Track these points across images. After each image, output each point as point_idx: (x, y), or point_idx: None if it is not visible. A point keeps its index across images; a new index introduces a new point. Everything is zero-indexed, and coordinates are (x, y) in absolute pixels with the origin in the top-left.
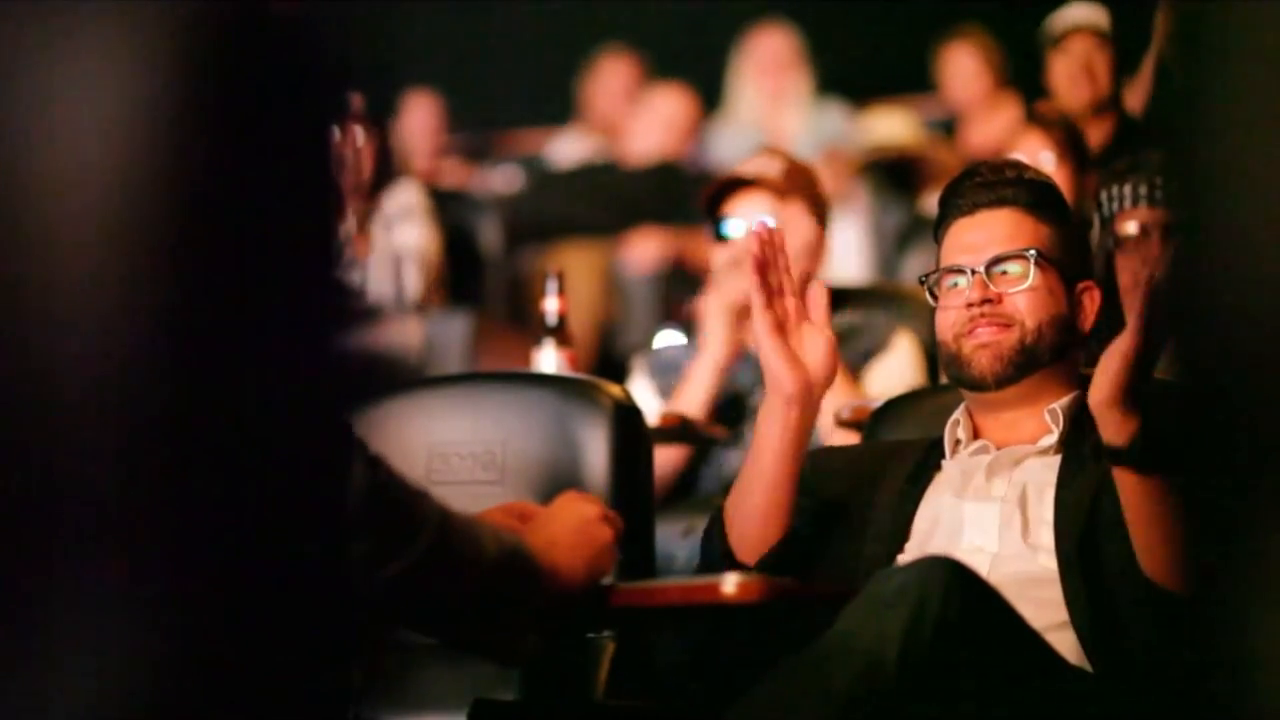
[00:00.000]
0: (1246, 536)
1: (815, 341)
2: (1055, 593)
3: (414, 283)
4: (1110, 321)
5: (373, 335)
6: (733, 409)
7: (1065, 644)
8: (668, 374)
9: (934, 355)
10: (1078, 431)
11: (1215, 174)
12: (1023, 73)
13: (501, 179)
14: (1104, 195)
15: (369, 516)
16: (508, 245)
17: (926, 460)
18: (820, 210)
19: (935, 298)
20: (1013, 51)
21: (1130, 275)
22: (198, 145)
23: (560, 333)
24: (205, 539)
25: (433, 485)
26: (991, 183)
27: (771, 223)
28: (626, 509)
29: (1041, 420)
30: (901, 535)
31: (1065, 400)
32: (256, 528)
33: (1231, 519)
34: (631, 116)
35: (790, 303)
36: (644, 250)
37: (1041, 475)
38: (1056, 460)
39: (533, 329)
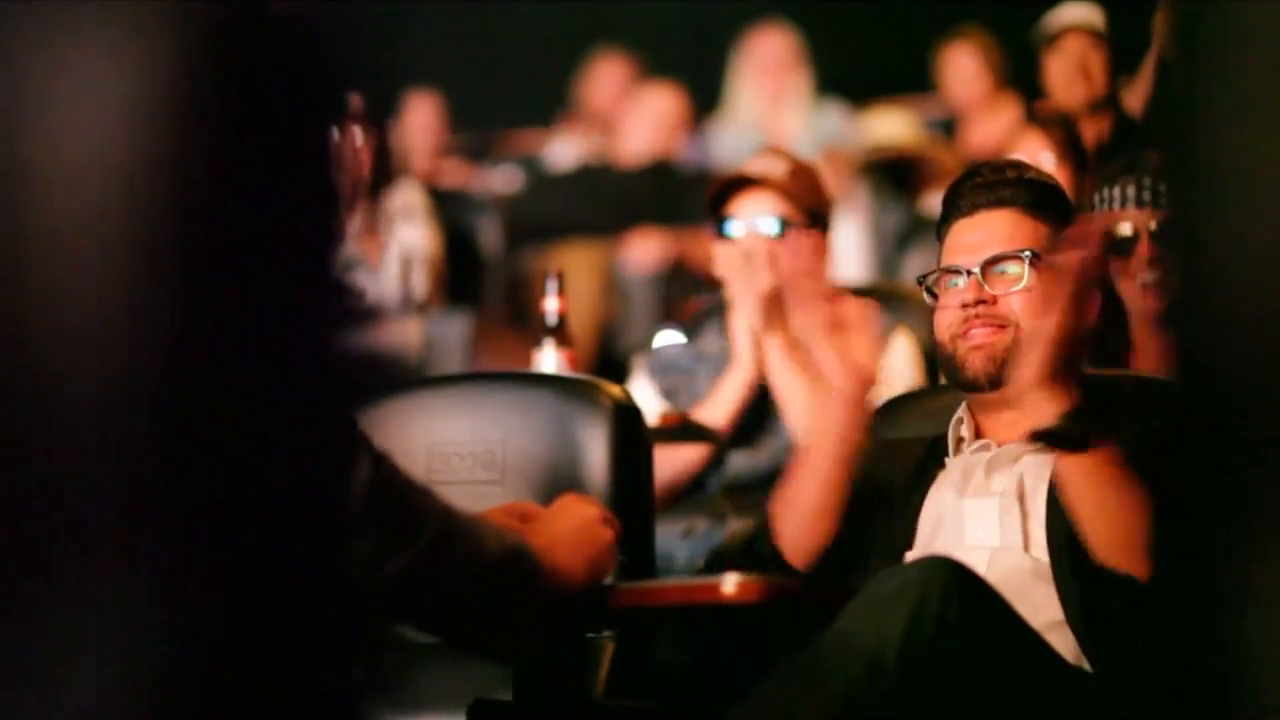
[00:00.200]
0: (1243, 535)
1: (858, 344)
2: (1052, 589)
3: (422, 283)
4: (1110, 322)
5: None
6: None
7: (1064, 642)
8: (668, 374)
9: (933, 355)
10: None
11: (1215, 174)
12: (1023, 73)
13: (501, 179)
14: (1096, 197)
15: (372, 513)
16: (508, 245)
17: (929, 458)
18: (824, 211)
19: (935, 297)
20: (1013, 51)
21: (1122, 276)
22: (198, 145)
23: (560, 333)
24: (206, 539)
25: (433, 485)
26: (992, 183)
27: (777, 225)
28: (626, 509)
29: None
30: (909, 533)
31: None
32: (257, 527)
33: (1228, 518)
34: (624, 116)
35: (828, 307)
36: (644, 250)
37: (1038, 472)
38: (1053, 457)
39: (533, 329)
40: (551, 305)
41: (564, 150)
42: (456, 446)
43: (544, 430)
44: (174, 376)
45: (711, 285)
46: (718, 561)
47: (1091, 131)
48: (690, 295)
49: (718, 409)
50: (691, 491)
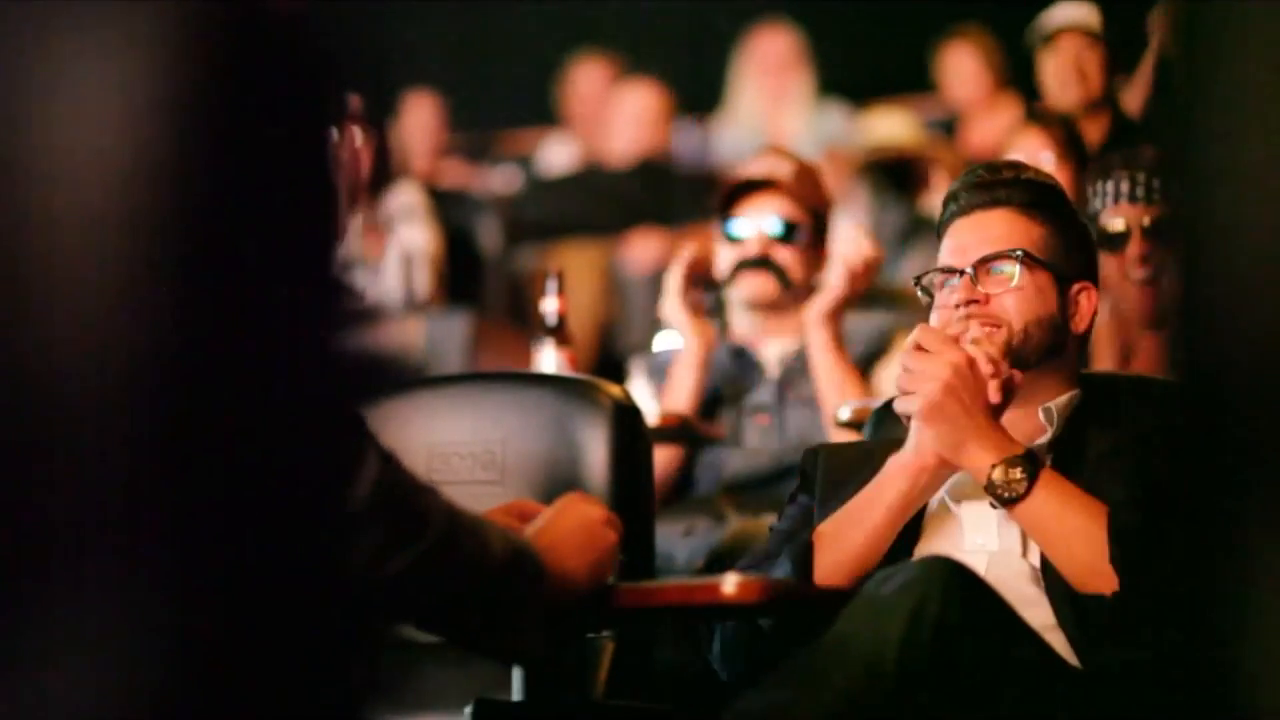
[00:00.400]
0: (1242, 535)
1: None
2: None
3: (423, 283)
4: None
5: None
6: (731, 409)
7: (1061, 646)
8: (665, 375)
9: None
10: (1073, 431)
11: (1214, 172)
12: (1023, 73)
13: (501, 179)
14: (1089, 191)
15: (378, 510)
16: (508, 245)
17: None
18: (825, 212)
19: (932, 297)
20: (1013, 51)
21: (1116, 273)
22: (198, 145)
23: (560, 333)
24: (206, 539)
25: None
26: (989, 183)
27: (780, 225)
28: (627, 509)
29: (1037, 419)
30: (912, 534)
31: (1061, 400)
32: (256, 527)
33: (1227, 517)
34: (605, 116)
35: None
36: (644, 250)
37: None
38: (1048, 460)
39: (532, 329)
40: (551, 305)
41: (557, 153)
42: (456, 446)
43: (544, 430)
44: (174, 376)
45: (712, 285)
46: (718, 561)
47: (1090, 131)
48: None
49: (674, 394)
50: (684, 491)
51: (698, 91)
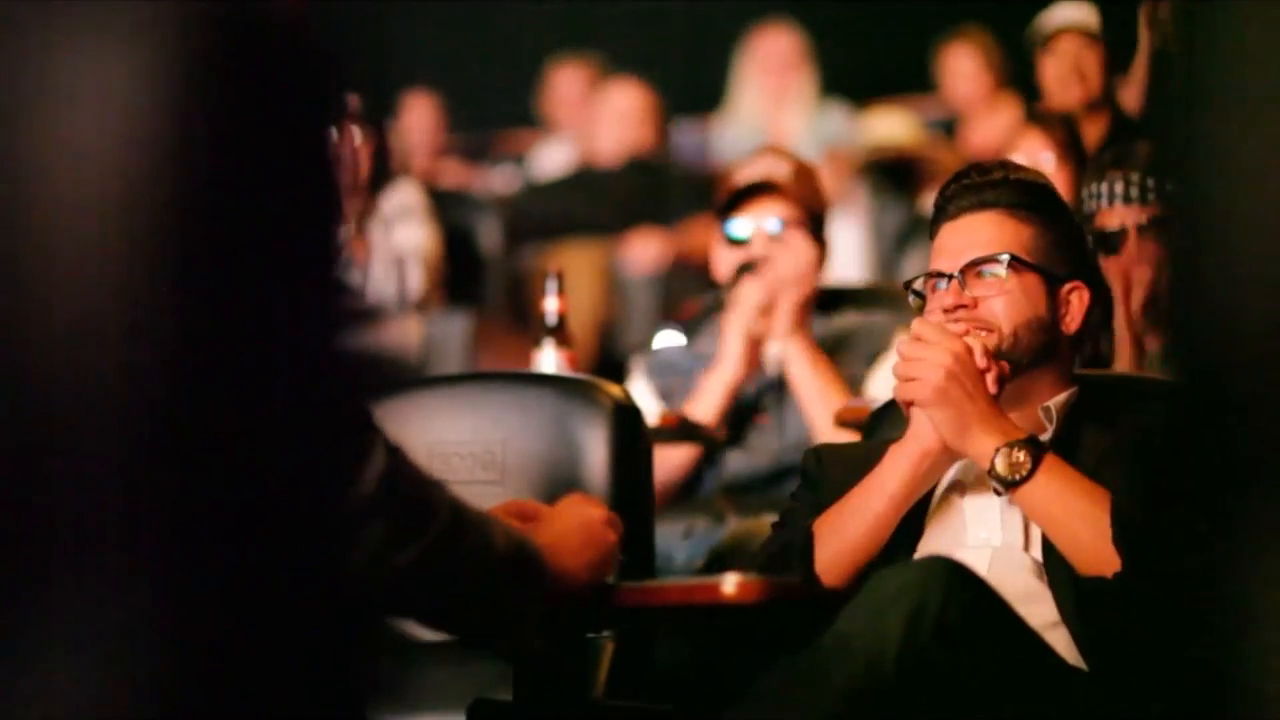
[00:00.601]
0: (1242, 534)
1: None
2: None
3: (417, 283)
4: (1102, 320)
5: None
6: (736, 414)
7: (1064, 642)
8: (667, 374)
9: None
10: (1072, 429)
11: (1212, 169)
12: (1023, 73)
13: (501, 179)
14: (1085, 193)
15: (384, 503)
16: (508, 245)
17: None
18: (822, 212)
19: (924, 301)
20: (1013, 51)
21: (1112, 273)
22: (197, 145)
23: (560, 333)
24: (205, 540)
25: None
26: (977, 185)
27: (779, 226)
28: (626, 509)
29: (1037, 418)
30: (915, 532)
31: (1059, 398)
32: (255, 527)
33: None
34: (590, 118)
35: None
36: (644, 250)
37: None
38: None
39: (532, 329)
40: (551, 305)
41: (550, 156)
42: (456, 446)
43: (544, 430)
44: (173, 376)
45: (711, 285)
46: (718, 561)
47: (1090, 131)
48: (690, 295)
49: (700, 407)
50: (690, 492)
51: (698, 91)
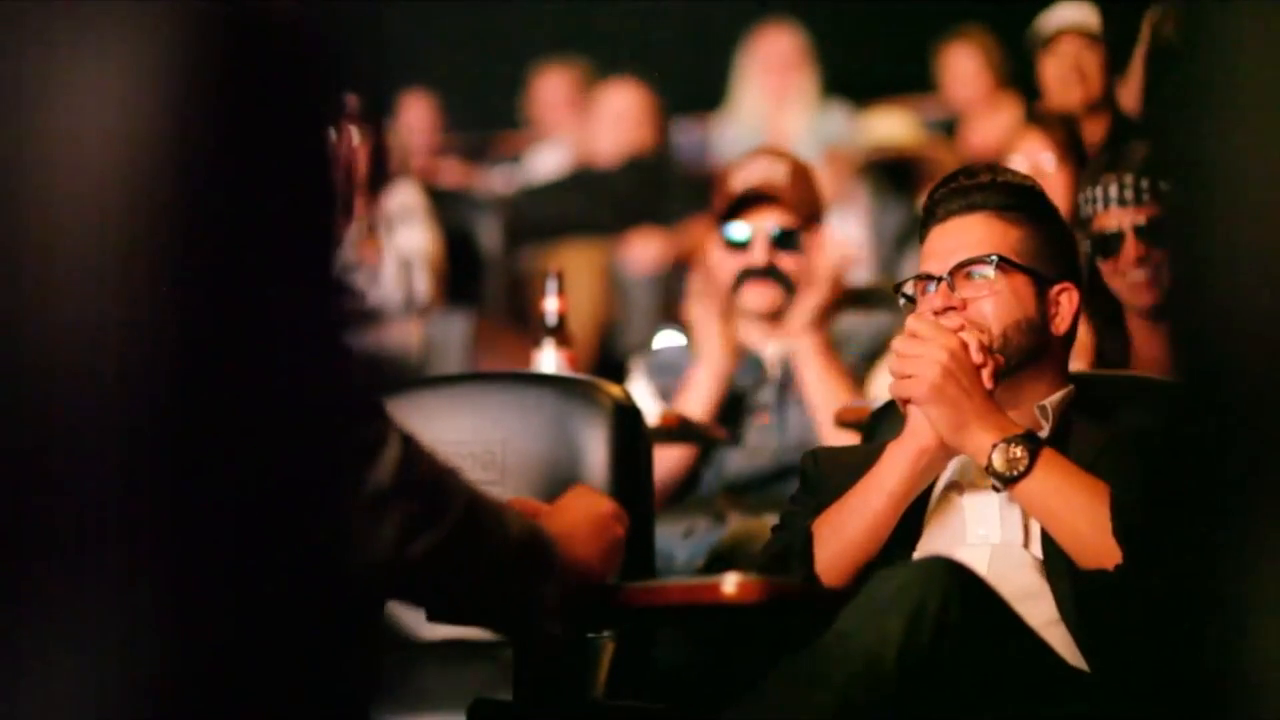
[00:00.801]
0: (1243, 534)
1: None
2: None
3: (424, 286)
4: (1107, 321)
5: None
6: (732, 409)
7: (1063, 639)
8: (666, 375)
9: None
10: (1069, 427)
11: (1211, 168)
12: (1023, 73)
13: (501, 179)
14: (1081, 197)
15: (401, 492)
16: (507, 245)
17: None
18: (819, 212)
19: (914, 303)
20: (1013, 51)
21: (1112, 275)
22: (196, 145)
23: (560, 333)
24: (205, 540)
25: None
26: (966, 188)
27: (779, 230)
28: (626, 509)
29: (1033, 417)
30: (913, 532)
31: (1055, 397)
32: (254, 528)
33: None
34: (586, 120)
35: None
36: (644, 250)
37: None
38: None
39: (532, 329)
40: (551, 305)
41: (543, 159)
42: (456, 446)
43: (544, 430)
44: (174, 375)
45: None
46: (718, 561)
47: (1090, 132)
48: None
49: (691, 402)
50: (690, 491)
51: (698, 91)
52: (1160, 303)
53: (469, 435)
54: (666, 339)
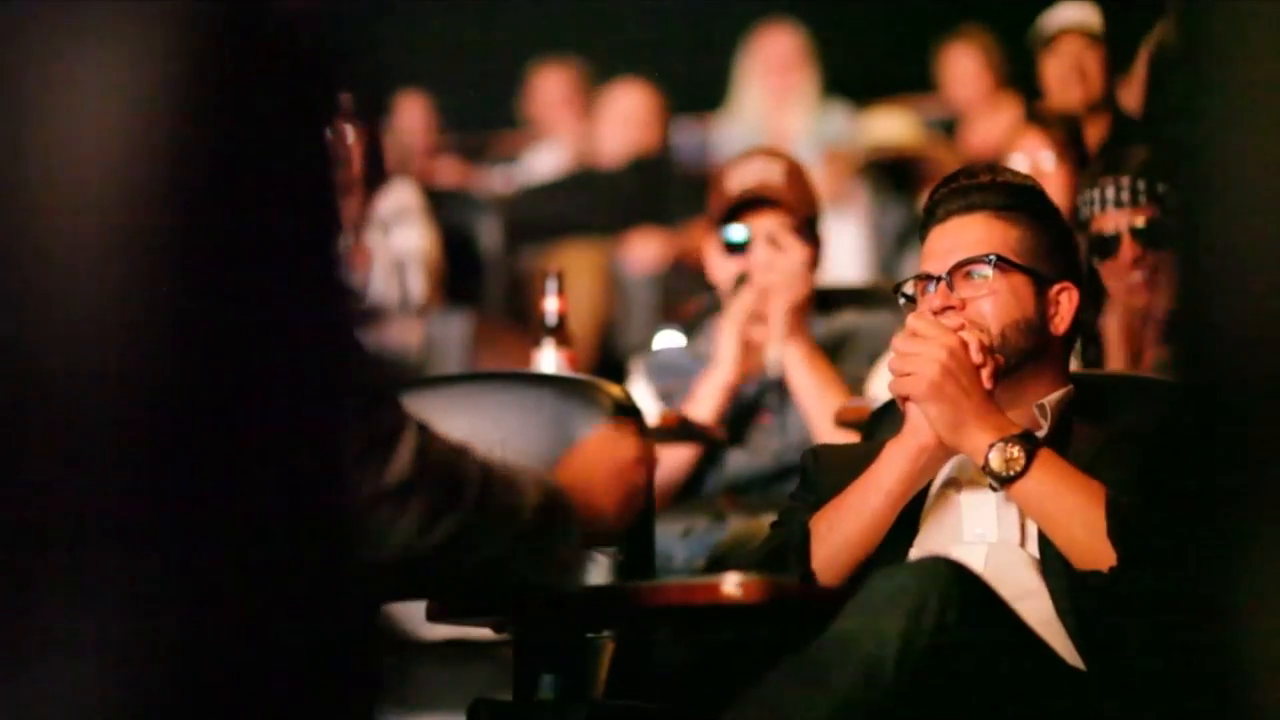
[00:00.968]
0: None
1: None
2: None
3: (419, 287)
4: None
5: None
6: (734, 409)
7: (1061, 638)
8: (666, 375)
9: None
10: (1068, 426)
11: (1214, 172)
12: (1023, 73)
13: (500, 179)
14: (1080, 200)
15: (420, 480)
16: (507, 245)
17: None
18: (815, 212)
19: (914, 303)
20: (1013, 51)
21: (1110, 277)
22: (194, 144)
23: (560, 333)
24: (204, 541)
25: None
26: (965, 189)
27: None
28: None
29: (1032, 416)
30: (910, 530)
31: (1054, 396)
32: (254, 528)
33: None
34: (585, 120)
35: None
36: (644, 250)
37: None
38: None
39: (532, 329)
40: (551, 305)
41: (540, 159)
42: None
43: (544, 430)
44: (173, 376)
45: (711, 286)
46: (718, 562)
47: (1091, 132)
48: (690, 295)
49: (697, 410)
50: (690, 491)
51: (698, 91)
52: (1155, 305)
53: (469, 435)
54: (666, 339)
